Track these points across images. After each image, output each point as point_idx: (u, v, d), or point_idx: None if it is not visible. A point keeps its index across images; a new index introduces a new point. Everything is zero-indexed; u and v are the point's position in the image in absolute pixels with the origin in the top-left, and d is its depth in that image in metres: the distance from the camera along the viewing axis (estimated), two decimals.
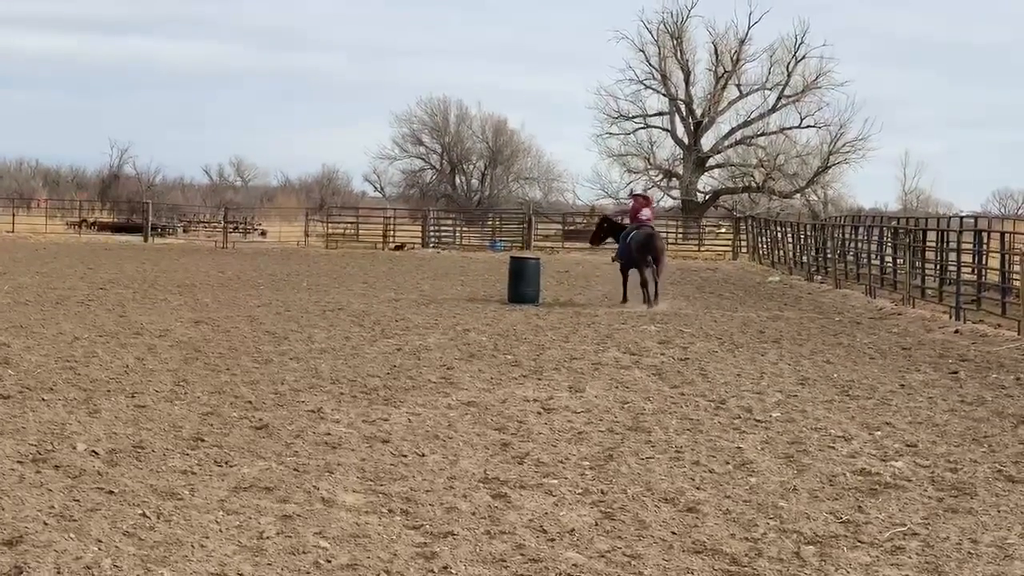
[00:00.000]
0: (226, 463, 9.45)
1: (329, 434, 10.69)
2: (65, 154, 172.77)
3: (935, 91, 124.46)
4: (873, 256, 34.27)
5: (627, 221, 27.06)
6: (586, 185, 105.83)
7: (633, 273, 25.75)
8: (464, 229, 62.10)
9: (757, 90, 71.90)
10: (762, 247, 51.21)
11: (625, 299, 25.78)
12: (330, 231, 57.92)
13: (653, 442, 10.84)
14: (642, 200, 27.93)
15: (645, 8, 74.90)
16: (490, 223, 64.21)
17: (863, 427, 11.81)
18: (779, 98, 71.44)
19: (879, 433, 11.51)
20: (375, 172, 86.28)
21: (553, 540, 7.68)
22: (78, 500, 8.19)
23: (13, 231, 55.96)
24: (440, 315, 22.41)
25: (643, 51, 71.79)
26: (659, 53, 71.68)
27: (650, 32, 71.87)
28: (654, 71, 71.83)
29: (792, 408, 12.82)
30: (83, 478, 8.81)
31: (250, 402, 12.17)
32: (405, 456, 9.95)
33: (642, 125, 73.06)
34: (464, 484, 9.06)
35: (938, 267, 29.86)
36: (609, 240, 28.12)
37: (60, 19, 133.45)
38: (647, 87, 72.29)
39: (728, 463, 10.04)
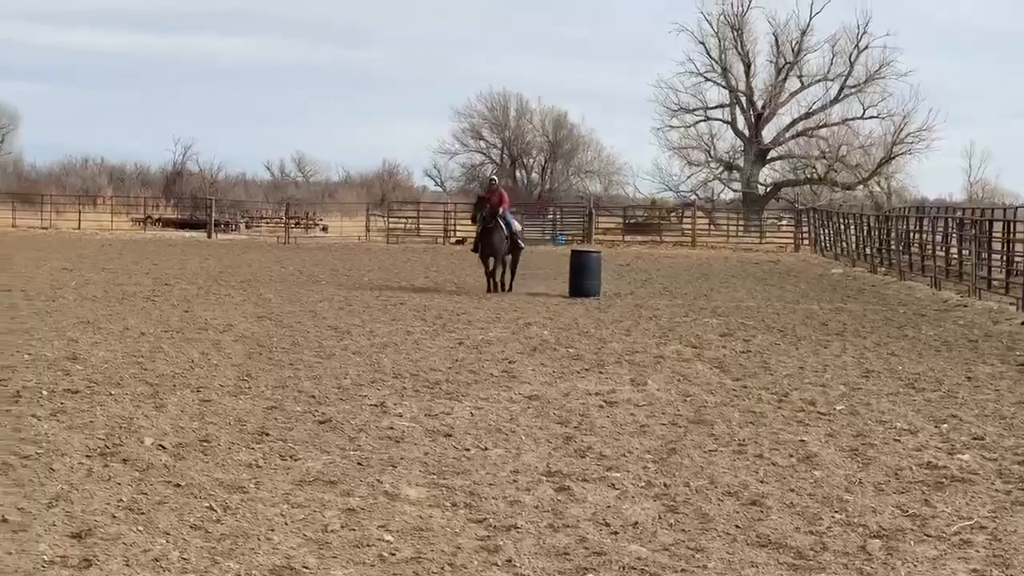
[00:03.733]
0: (290, 457, 9.52)
1: (392, 428, 10.73)
2: (130, 151, 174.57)
3: (1001, 81, 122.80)
4: (938, 247, 33.90)
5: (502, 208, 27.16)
6: (646, 178, 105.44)
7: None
8: (525, 223, 62.04)
9: (819, 81, 71.55)
10: (824, 239, 50.84)
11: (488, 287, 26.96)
12: (391, 226, 58.11)
13: (716, 435, 10.80)
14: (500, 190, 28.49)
15: (706, 0, 74.22)
16: (551, 217, 64.18)
17: (929, 420, 11.71)
18: (841, 89, 71.01)
19: (945, 426, 11.40)
20: (435, 167, 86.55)
21: (616, 533, 7.68)
22: (146, 493, 8.28)
23: (79, 228, 56.62)
24: (501, 309, 22.43)
25: (703, 43, 71.65)
26: (719, 45, 71.50)
27: (710, 24, 71.68)
28: (714, 63, 71.65)
29: (856, 401, 12.72)
30: (151, 472, 8.90)
31: (313, 396, 12.25)
32: (468, 450, 9.97)
33: (702, 118, 72.88)
34: (527, 478, 9.07)
35: (1004, 258, 29.49)
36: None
37: (124, 16, 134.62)
38: (707, 79, 72.14)
39: (792, 456, 9.98)
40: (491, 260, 26.89)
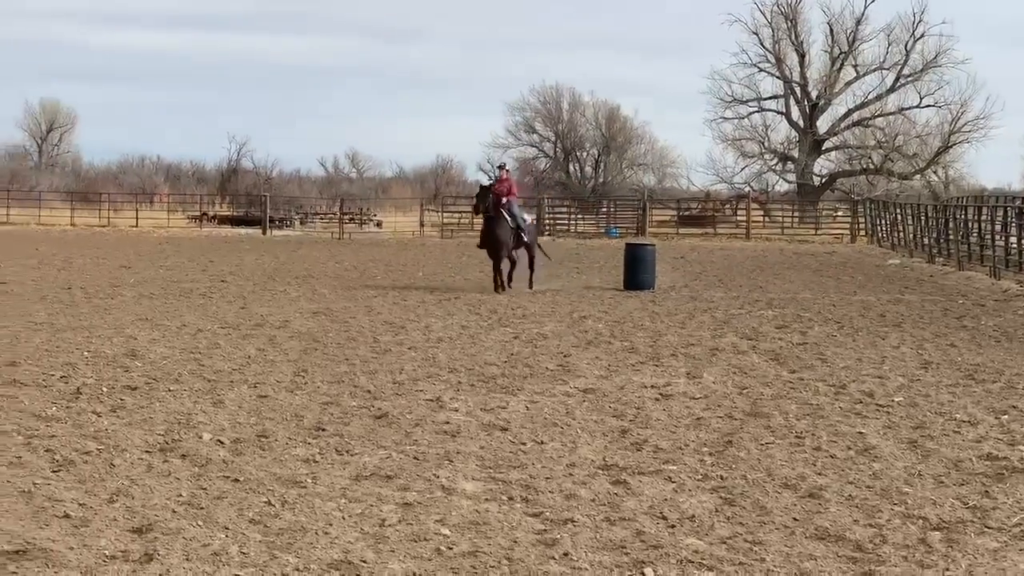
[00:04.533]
0: (347, 452, 9.56)
1: (448, 423, 10.76)
2: (185, 149, 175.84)
3: None
4: (997, 237, 33.56)
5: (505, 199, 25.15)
6: (700, 171, 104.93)
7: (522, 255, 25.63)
8: (578, 216, 62.05)
9: (874, 70, 70.85)
10: (881, 230, 50.42)
11: (503, 285, 25.06)
12: (445, 221, 58.23)
13: (773, 427, 10.74)
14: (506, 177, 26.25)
15: None
16: (604, 210, 64.06)
17: (989, 411, 11.59)
18: (897, 78, 70.29)
19: (1006, 417, 11.28)
20: (489, 161, 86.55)
21: (673, 526, 7.66)
22: (205, 488, 8.35)
23: (137, 226, 57.13)
24: (556, 303, 22.43)
25: (757, 34, 71.13)
26: (773, 35, 70.98)
27: (764, 14, 71.17)
28: (768, 54, 71.13)
29: (915, 392, 12.62)
30: (209, 467, 8.97)
31: (369, 391, 12.29)
32: (524, 444, 9.98)
33: (756, 109, 72.39)
34: (583, 471, 9.06)
35: None
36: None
37: (180, 17, 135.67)
38: (761, 70, 71.60)
39: (850, 448, 9.91)
40: (497, 256, 24.99)
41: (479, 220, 26.98)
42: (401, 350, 15.46)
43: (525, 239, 25.09)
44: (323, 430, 10.34)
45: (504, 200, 24.83)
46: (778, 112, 72.26)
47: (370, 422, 10.75)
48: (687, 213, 62.18)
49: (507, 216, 24.83)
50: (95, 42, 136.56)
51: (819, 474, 9.05)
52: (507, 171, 26.91)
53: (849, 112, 71.42)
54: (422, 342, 16.29)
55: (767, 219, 61.22)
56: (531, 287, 25.10)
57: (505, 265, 25.10)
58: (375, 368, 13.86)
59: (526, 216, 26.00)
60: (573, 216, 61.57)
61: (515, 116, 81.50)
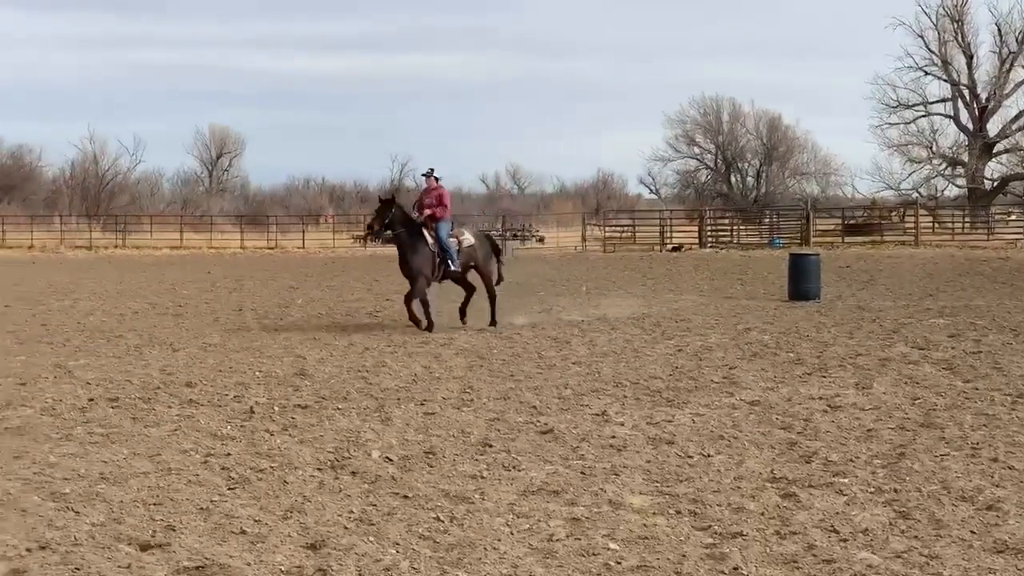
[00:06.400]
0: (514, 467, 9.60)
1: (614, 437, 10.74)
2: (349, 170, 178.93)
3: None
4: None
5: (427, 212, 20.38)
6: (865, 178, 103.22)
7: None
8: (741, 227, 61.50)
9: None
10: None
11: (430, 322, 19.85)
12: (606, 235, 58.24)
13: (947, 439, 10.49)
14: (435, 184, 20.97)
15: None
16: (767, 220, 63.32)
17: None
18: None
19: None
20: (650, 174, 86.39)
21: (846, 540, 7.52)
22: (375, 505, 8.46)
23: (303, 247, 58.28)
24: (720, 314, 22.24)
25: (922, 36, 69.65)
26: (939, 38, 69.40)
27: (929, 17, 69.66)
28: (934, 56, 69.57)
29: None
30: (379, 483, 9.09)
31: (535, 407, 12.33)
32: (691, 457, 9.91)
33: (923, 113, 70.83)
34: (751, 484, 8.96)
35: None
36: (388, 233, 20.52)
37: (340, 40, 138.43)
38: (927, 73, 70.08)
39: None
40: (411, 287, 19.94)
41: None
42: (566, 365, 15.48)
43: (453, 268, 20.17)
44: (490, 446, 10.40)
45: (424, 215, 20.24)
46: (946, 116, 70.62)
47: (536, 437, 10.78)
48: (852, 221, 61.08)
49: (427, 237, 20.10)
50: (261, 67, 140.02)
51: (997, 486, 8.81)
52: (436, 178, 20.91)
53: (1021, 114, 69.44)
54: (587, 356, 16.29)
55: (936, 225, 59.87)
56: (493, 323, 20.35)
57: (429, 300, 19.98)
58: (540, 383, 13.91)
59: (469, 237, 20.82)
60: (735, 227, 61.02)
61: (675, 128, 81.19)
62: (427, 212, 20.20)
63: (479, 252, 20.83)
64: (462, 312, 20.62)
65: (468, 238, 20.78)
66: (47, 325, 21.32)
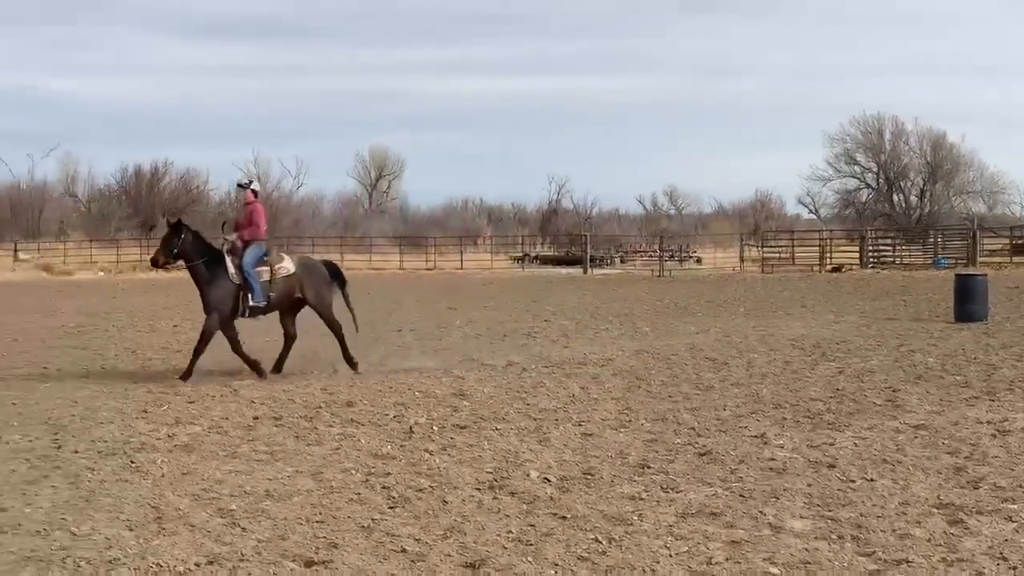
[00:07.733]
0: (672, 489, 9.55)
1: (773, 459, 10.61)
2: (507, 191, 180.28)
3: None
4: None
5: (235, 235, 17.13)
6: None
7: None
8: (904, 247, 60.35)
9: None
10: None
11: (257, 367, 16.73)
12: (765, 255, 57.65)
13: None
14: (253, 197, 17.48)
15: None
16: (931, 240, 62.04)
17: None
18: None
19: None
20: (809, 194, 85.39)
21: (1015, 568, 7.32)
22: (533, 525, 8.49)
23: (462, 268, 58.84)
24: (882, 336, 21.84)
25: None
26: None
27: None
28: None
29: None
30: (537, 504, 9.12)
31: (693, 428, 12.25)
32: (853, 481, 9.74)
33: None
34: (917, 510, 8.77)
35: None
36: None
37: (497, 63, 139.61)
38: None
39: None
40: (207, 323, 16.72)
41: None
42: (724, 386, 15.35)
43: (253, 302, 16.71)
44: (648, 467, 10.36)
45: (232, 240, 16.98)
46: None
47: (695, 459, 10.71)
48: (1022, 241, 59.49)
49: (228, 266, 16.79)
50: (421, 91, 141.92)
51: None
52: (254, 191, 17.54)
53: None
54: (745, 378, 16.13)
55: None
56: (350, 364, 17.34)
57: (236, 342, 16.85)
58: (698, 405, 13.81)
59: (288, 264, 17.22)
60: (898, 247, 59.89)
61: (835, 147, 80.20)
62: (234, 236, 17.01)
63: (307, 283, 17.27)
64: (276, 365, 17.10)
65: (287, 266, 17.18)
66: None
